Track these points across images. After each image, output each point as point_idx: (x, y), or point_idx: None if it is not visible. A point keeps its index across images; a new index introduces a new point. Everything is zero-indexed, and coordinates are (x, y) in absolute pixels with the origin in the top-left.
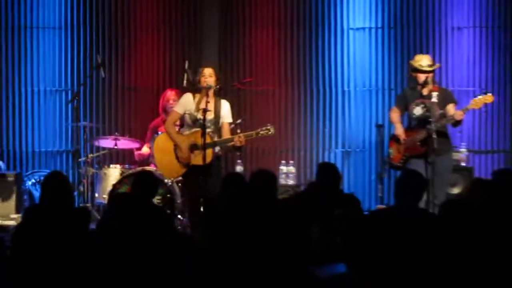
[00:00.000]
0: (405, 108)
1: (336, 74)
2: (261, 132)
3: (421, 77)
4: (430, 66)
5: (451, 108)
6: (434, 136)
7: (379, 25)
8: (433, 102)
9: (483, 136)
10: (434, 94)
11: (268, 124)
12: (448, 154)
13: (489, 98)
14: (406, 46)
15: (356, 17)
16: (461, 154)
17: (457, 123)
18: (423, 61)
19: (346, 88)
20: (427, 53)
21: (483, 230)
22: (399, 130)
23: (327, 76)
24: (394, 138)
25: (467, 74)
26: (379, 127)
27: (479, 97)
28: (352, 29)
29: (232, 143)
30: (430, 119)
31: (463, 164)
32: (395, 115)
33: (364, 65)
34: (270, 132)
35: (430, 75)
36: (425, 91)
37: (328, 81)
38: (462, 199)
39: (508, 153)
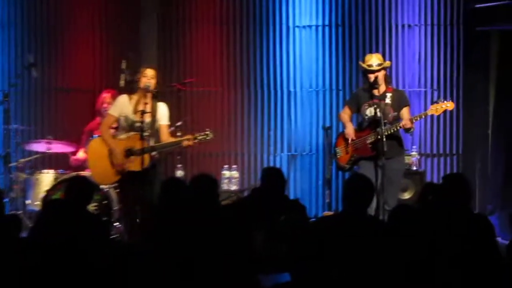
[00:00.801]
0: (357, 108)
1: (281, 74)
2: (199, 137)
3: (371, 77)
4: (379, 65)
5: (405, 113)
6: (385, 138)
7: (326, 23)
8: (387, 104)
9: (435, 139)
10: (388, 95)
11: (207, 129)
12: (399, 157)
13: (450, 105)
14: (354, 44)
15: (302, 15)
16: (412, 157)
17: (409, 129)
18: (371, 60)
19: (292, 89)
20: (376, 51)
21: (432, 236)
22: (349, 129)
23: (272, 77)
24: (343, 137)
25: (418, 74)
26: (327, 129)
27: (440, 103)
28: (298, 27)
29: (183, 145)
30: (383, 121)
31: (414, 168)
32: (345, 115)
33: (310, 64)
34: (208, 137)
35: (381, 74)
36: (378, 92)
37: (273, 81)
38: (412, 204)
39: (460, 157)
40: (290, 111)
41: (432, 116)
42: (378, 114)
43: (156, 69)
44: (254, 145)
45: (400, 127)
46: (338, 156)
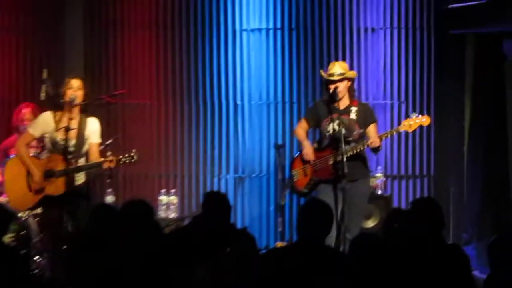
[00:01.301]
0: (316, 123)
1: (226, 84)
2: (122, 159)
3: (330, 87)
4: (340, 74)
5: (372, 130)
6: (348, 158)
7: (278, 26)
8: (351, 119)
9: (402, 158)
10: (353, 109)
11: (133, 150)
12: (364, 180)
13: (425, 120)
14: (310, 50)
15: (250, 17)
16: (377, 180)
17: (377, 148)
18: (334, 69)
19: (239, 102)
20: (335, 58)
21: (398, 269)
22: (307, 149)
23: (216, 87)
24: (300, 158)
25: (383, 84)
26: (279, 147)
27: (413, 118)
28: (245, 30)
29: (103, 166)
30: (347, 138)
31: (379, 192)
32: (301, 130)
33: (260, 73)
34: (133, 160)
35: (342, 85)
36: (341, 105)
37: (217, 93)
38: (377, 233)
39: (431, 178)
40: (237, 127)
41: (399, 132)
42: (342, 130)
43: (83, 79)
44: (196, 166)
45: (367, 145)
46: (295, 180)
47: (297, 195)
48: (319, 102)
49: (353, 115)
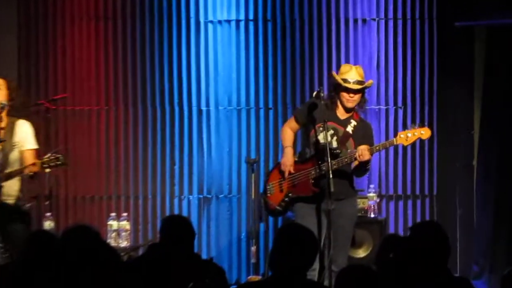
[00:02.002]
0: (307, 127)
1: (189, 86)
2: (46, 160)
3: (345, 97)
4: (359, 83)
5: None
6: (333, 174)
7: (251, 16)
8: (346, 132)
9: (400, 175)
10: (352, 122)
11: (58, 151)
12: (351, 199)
13: (425, 133)
14: (289, 46)
15: (217, 5)
16: (370, 200)
17: (365, 165)
18: (351, 73)
19: (203, 107)
20: (319, 55)
21: None
22: (287, 156)
23: (175, 90)
24: (279, 168)
25: (377, 85)
26: (252, 162)
27: (412, 130)
28: (211, 22)
29: (25, 172)
30: (337, 152)
31: (372, 215)
32: (289, 130)
33: (229, 73)
34: (60, 162)
35: (357, 96)
36: (341, 114)
37: (178, 97)
38: (369, 264)
39: (434, 199)
40: (202, 138)
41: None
42: (334, 144)
43: (6, 78)
44: (152, 185)
45: (354, 158)
46: (269, 194)
47: (269, 214)
48: (320, 102)
49: (349, 128)
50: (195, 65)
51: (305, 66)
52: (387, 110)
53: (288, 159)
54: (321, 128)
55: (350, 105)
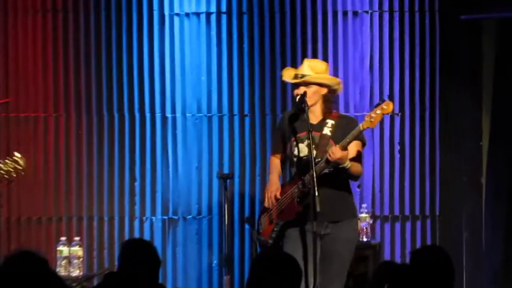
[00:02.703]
0: (284, 147)
1: (151, 90)
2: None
3: (294, 93)
4: (301, 76)
5: (352, 147)
6: (317, 190)
7: (223, 8)
8: (323, 135)
9: (397, 193)
10: (329, 123)
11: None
12: (349, 222)
13: (387, 106)
14: (268, 43)
15: None
16: (362, 222)
17: (339, 162)
18: (301, 68)
19: (168, 114)
20: (303, 54)
21: None
22: (271, 182)
23: (136, 95)
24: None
25: (370, 88)
26: (225, 178)
27: (374, 109)
28: (177, 15)
29: None
30: (317, 162)
31: (364, 239)
32: (272, 162)
33: (198, 75)
34: (20, 167)
35: (311, 91)
36: (313, 119)
37: (139, 102)
38: None
39: (437, 220)
40: (167, 150)
41: (391, 154)
42: (313, 152)
43: None
44: (109, 205)
45: (327, 161)
46: (261, 231)
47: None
48: (288, 113)
49: (326, 130)
50: (158, 65)
51: (287, 65)
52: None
53: (271, 184)
54: (294, 142)
55: (306, 102)
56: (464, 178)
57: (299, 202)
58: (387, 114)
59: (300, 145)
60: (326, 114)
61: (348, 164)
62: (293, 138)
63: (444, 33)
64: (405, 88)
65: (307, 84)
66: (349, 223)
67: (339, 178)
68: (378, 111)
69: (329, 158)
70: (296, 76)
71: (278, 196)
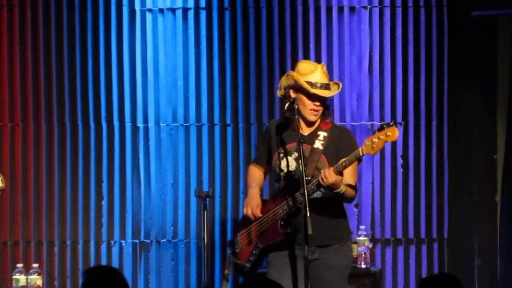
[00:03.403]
0: (269, 158)
1: (120, 97)
2: None
3: (309, 106)
4: (327, 87)
5: (348, 169)
6: (309, 210)
7: (202, 3)
8: (314, 149)
9: (399, 214)
10: (321, 134)
11: None
12: (342, 245)
13: (391, 134)
14: (253, 43)
15: None
16: (360, 247)
17: (334, 187)
18: (316, 74)
19: (140, 124)
20: (293, 54)
21: None
22: (250, 196)
23: (103, 102)
24: (247, 217)
25: (369, 94)
26: (204, 197)
27: (377, 134)
28: (149, 10)
29: None
30: (306, 180)
31: (362, 265)
32: (253, 172)
33: (174, 79)
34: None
35: (322, 104)
36: (305, 130)
37: (106, 110)
38: None
39: (445, 244)
40: (138, 164)
41: (394, 166)
42: (300, 168)
43: None
44: (72, 227)
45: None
46: (237, 250)
47: (239, 274)
48: (275, 122)
49: (317, 144)
50: (128, 68)
51: (274, 70)
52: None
53: (251, 199)
54: (281, 154)
55: (312, 118)
56: (476, 196)
57: (283, 225)
58: (391, 142)
59: (288, 158)
60: (322, 123)
61: (342, 189)
62: (279, 149)
63: (454, 31)
64: (409, 94)
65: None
66: (341, 248)
67: (329, 198)
68: (382, 136)
69: (322, 182)
70: (325, 87)
71: (259, 214)
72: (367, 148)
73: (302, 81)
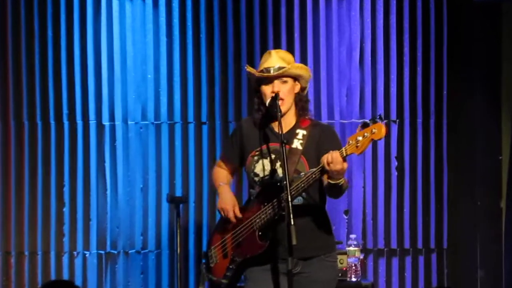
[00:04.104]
0: (241, 159)
1: (84, 92)
2: None
3: (266, 93)
4: (280, 69)
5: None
6: (293, 218)
7: None
8: (293, 150)
9: (393, 222)
10: (300, 133)
11: None
12: (326, 257)
13: (376, 131)
14: (232, 34)
15: None
16: (350, 257)
17: (334, 189)
18: (269, 61)
19: (106, 122)
20: (276, 47)
21: None
22: (224, 195)
23: (64, 97)
24: (223, 224)
25: (360, 89)
26: (177, 202)
27: (362, 131)
28: None
29: None
30: (284, 184)
31: (352, 278)
32: (220, 172)
33: (144, 72)
34: None
35: (286, 88)
36: (279, 127)
37: (67, 106)
38: None
39: (445, 254)
40: (103, 167)
41: (386, 175)
42: (279, 171)
43: None
44: (30, 236)
45: (321, 171)
46: (212, 265)
47: None
48: (245, 121)
49: (296, 144)
50: (93, 59)
51: (255, 62)
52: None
53: (226, 198)
54: (255, 157)
55: (282, 108)
56: (478, 202)
57: (262, 236)
58: (378, 140)
59: (264, 161)
60: (298, 120)
61: (341, 180)
62: (253, 152)
63: (454, 18)
64: (404, 89)
65: (284, 77)
66: (325, 259)
67: (310, 204)
68: (367, 134)
69: (327, 167)
70: (267, 70)
71: (238, 213)
72: (351, 148)
73: (253, 70)
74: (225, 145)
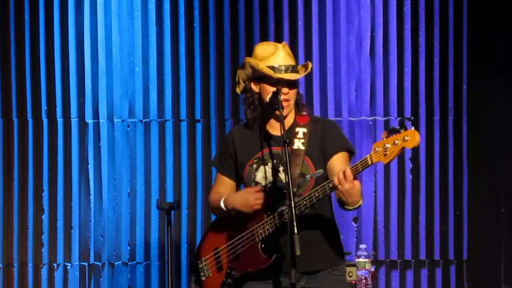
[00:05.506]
0: (236, 171)
1: (64, 87)
2: None
3: (269, 89)
4: (293, 69)
5: (338, 163)
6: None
7: None
8: (295, 151)
9: (408, 232)
10: (300, 131)
11: None
12: (333, 270)
13: (409, 139)
14: (228, 20)
15: None
16: (360, 270)
17: (345, 200)
18: (279, 57)
19: (89, 120)
20: (276, 40)
21: None
22: (239, 201)
23: (43, 93)
24: (213, 233)
25: (370, 85)
26: (168, 208)
27: (392, 137)
28: None
29: None
30: (291, 191)
31: None
32: (219, 196)
33: (132, 65)
34: None
35: (293, 92)
36: (277, 129)
37: (46, 103)
38: None
39: (465, 266)
40: (86, 169)
41: (400, 179)
42: (282, 177)
43: None
44: (5, 247)
45: (330, 188)
46: (203, 278)
47: None
48: (237, 129)
49: (298, 144)
50: (75, 51)
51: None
52: (387, 123)
53: (238, 197)
54: (254, 166)
55: (284, 111)
56: (502, 209)
57: (265, 249)
58: (410, 148)
59: (265, 168)
60: (298, 118)
61: (359, 204)
62: (251, 161)
63: (475, 5)
64: (420, 83)
65: (294, 83)
66: (332, 273)
67: (317, 211)
68: (398, 141)
69: (338, 186)
70: (278, 70)
71: (260, 195)
72: (378, 156)
73: (261, 66)
74: (219, 161)
